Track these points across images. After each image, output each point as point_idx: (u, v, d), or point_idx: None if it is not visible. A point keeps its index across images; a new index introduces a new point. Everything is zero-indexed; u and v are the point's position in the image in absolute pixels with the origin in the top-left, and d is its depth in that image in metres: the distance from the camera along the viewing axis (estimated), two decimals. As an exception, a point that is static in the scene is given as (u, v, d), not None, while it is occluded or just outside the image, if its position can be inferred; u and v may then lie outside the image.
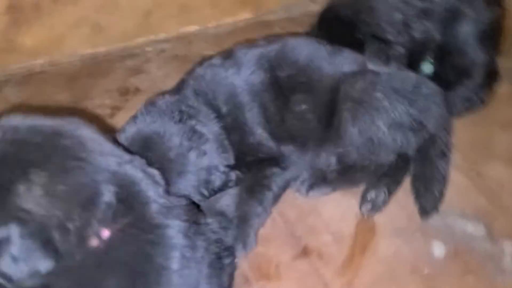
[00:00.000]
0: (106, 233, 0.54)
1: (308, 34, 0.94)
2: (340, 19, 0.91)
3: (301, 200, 0.79)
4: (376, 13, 0.89)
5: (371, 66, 0.83)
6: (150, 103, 0.76)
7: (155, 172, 0.60)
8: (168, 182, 0.64)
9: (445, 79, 0.90)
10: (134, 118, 0.74)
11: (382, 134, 0.78)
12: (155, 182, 0.59)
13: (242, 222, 0.73)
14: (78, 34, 1.12)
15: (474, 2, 0.91)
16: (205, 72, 0.80)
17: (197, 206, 0.69)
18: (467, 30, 0.91)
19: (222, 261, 0.64)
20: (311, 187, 0.79)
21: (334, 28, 0.89)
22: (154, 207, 0.57)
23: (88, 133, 0.57)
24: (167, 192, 0.61)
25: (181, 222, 0.58)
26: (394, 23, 0.89)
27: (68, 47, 1.14)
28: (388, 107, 0.78)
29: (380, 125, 0.78)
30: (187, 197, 0.67)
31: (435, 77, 0.90)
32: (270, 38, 0.86)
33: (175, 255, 0.57)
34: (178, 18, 1.18)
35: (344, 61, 0.83)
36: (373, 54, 0.85)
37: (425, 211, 0.77)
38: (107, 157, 0.56)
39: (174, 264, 0.57)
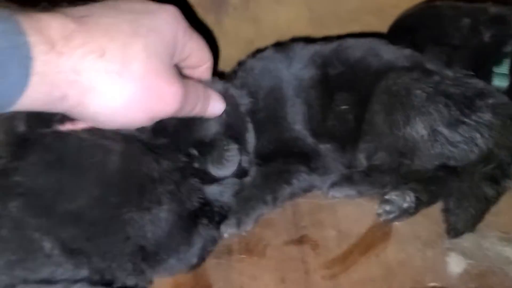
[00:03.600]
0: None
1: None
2: (404, 28, 0.86)
3: (321, 196, 0.74)
4: (441, 19, 0.83)
5: (428, 65, 0.77)
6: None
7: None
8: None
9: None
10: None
11: (420, 137, 0.70)
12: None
13: (245, 202, 0.71)
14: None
15: None
16: (255, 65, 0.82)
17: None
18: None
19: (198, 220, 0.63)
20: (333, 185, 0.73)
21: (398, 38, 0.84)
22: None
23: None
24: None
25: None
26: (461, 28, 0.80)
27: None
28: (432, 110, 0.70)
29: (417, 127, 0.70)
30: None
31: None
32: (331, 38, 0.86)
33: None
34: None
35: (397, 58, 0.78)
36: (433, 56, 0.78)
37: (455, 230, 0.65)
38: None
39: None
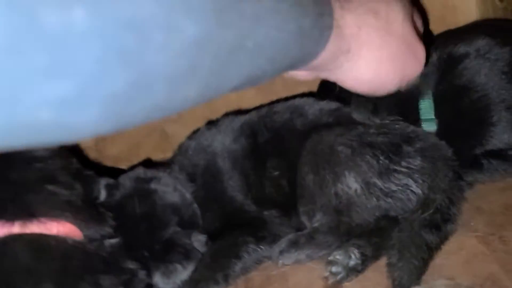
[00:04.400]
0: None
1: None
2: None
3: (272, 267, 0.73)
4: None
5: (354, 115, 0.77)
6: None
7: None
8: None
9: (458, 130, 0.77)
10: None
11: (353, 192, 0.69)
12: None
13: (196, 285, 0.70)
14: (150, 142, 1.25)
15: None
16: (189, 145, 0.85)
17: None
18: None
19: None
20: (281, 252, 0.72)
21: (326, 92, 0.84)
22: None
23: None
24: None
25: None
26: None
27: (143, 154, 1.28)
28: (360, 162, 0.70)
29: (348, 181, 0.69)
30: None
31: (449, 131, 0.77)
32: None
33: None
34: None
35: (322, 115, 0.79)
36: (359, 104, 0.77)
37: (400, 285, 0.63)
38: None
39: None
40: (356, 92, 0.66)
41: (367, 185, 0.69)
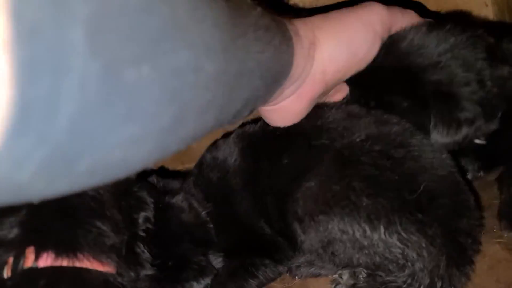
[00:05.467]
0: None
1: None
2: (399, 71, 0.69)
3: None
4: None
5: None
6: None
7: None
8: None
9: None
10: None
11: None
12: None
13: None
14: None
15: None
16: (206, 158, 0.79)
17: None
18: None
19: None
20: (298, 268, 0.70)
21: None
22: None
23: None
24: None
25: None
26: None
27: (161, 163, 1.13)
28: (350, 229, 0.60)
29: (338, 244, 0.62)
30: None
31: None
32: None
33: None
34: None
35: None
36: (441, 119, 0.65)
37: None
38: None
39: None
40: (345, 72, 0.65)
41: (359, 246, 0.61)
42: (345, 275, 0.64)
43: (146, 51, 0.34)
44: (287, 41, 0.56)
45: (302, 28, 0.60)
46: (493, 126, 0.66)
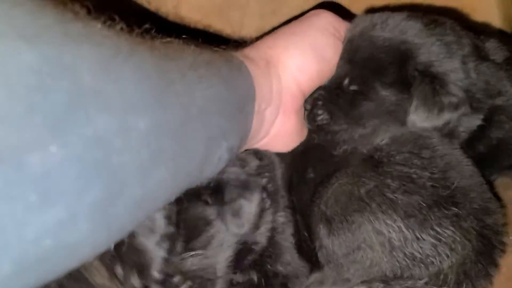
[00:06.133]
0: None
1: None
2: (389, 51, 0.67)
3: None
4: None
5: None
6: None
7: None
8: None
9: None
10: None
11: (374, 252, 0.60)
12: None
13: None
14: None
15: None
16: None
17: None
18: None
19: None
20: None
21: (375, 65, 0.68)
22: None
23: None
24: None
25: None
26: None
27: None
28: (380, 228, 0.59)
29: (369, 242, 0.60)
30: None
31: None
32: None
33: None
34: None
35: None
36: (423, 100, 0.64)
37: None
38: None
39: None
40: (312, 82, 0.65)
41: (390, 247, 0.59)
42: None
43: (48, 131, 0.32)
44: (237, 67, 0.55)
45: (252, 52, 0.60)
46: (477, 121, 0.66)
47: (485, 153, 0.70)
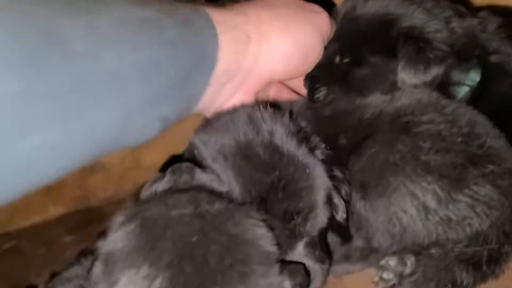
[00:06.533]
0: None
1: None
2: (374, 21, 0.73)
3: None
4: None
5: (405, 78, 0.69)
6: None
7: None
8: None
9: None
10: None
11: (409, 217, 0.61)
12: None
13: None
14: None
15: None
16: None
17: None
18: None
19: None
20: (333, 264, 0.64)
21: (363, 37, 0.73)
22: None
23: None
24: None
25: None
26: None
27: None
28: (415, 190, 0.60)
29: (403, 207, 0.61)
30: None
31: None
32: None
33: None
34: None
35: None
36: (408, 58, 0.68)
37: None
38: None
39: None
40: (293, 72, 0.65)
41: (425, 211, 0.59)
42: (393, 261, 0.60)
43: None
44: (202, 34, 0.50)
45: (242, 21, 0.56)
46: (476, 77, 0.70)
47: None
